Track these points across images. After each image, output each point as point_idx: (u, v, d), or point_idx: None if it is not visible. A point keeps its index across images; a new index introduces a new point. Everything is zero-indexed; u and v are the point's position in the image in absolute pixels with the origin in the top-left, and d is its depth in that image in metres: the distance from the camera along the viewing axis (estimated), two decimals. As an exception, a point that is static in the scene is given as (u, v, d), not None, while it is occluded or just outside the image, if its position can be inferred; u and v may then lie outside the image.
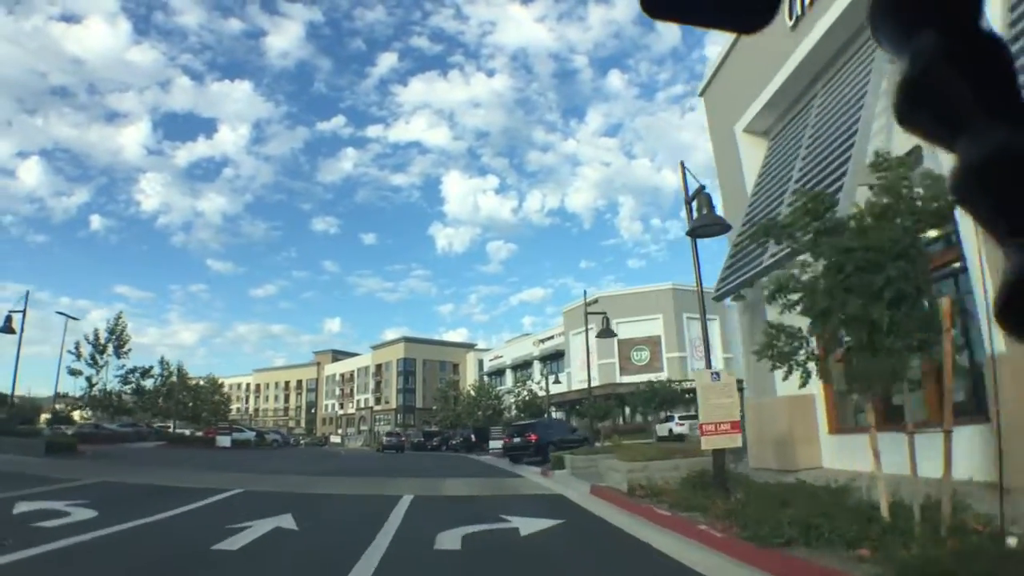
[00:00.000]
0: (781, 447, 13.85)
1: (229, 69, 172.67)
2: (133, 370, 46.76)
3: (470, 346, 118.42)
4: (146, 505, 10.59)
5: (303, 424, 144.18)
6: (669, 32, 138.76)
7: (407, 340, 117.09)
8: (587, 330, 24.96)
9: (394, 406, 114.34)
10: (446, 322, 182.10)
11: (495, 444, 40.05)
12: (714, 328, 63.99)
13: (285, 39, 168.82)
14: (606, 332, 23.18)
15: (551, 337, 70.58)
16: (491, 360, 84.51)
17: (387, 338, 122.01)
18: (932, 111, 0.59)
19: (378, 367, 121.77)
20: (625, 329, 58.07)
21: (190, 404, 63.63)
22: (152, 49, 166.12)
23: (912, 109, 0.60)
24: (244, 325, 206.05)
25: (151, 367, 48.01)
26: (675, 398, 40.29)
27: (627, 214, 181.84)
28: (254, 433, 50.06)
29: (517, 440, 29.19)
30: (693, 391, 50.10)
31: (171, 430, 50.33)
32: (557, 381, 48.70)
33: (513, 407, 54.37)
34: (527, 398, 52.29)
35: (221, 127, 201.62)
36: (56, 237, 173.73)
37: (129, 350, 45.06)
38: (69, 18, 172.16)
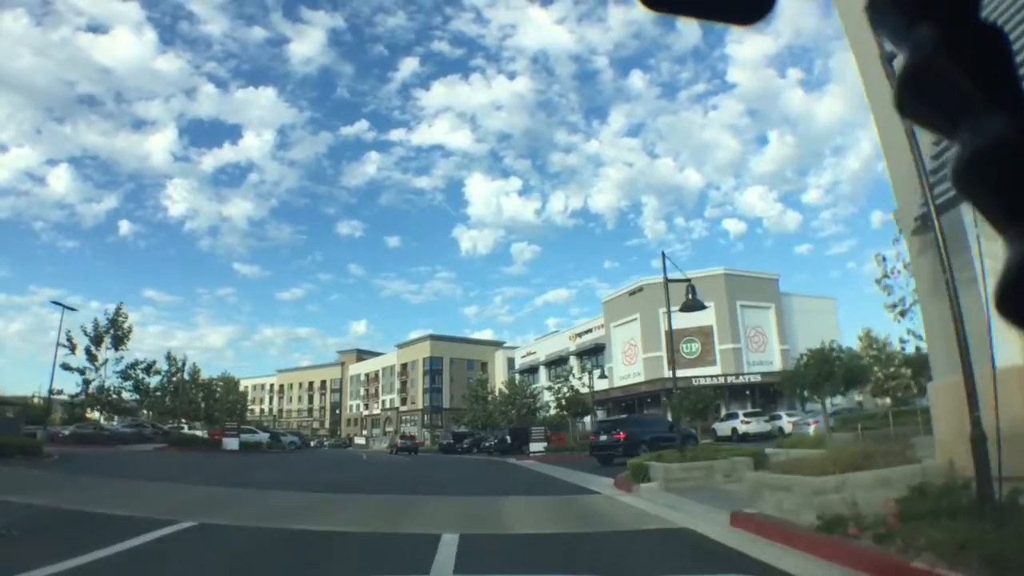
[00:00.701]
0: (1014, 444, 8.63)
1: (253, 76, 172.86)
2: (134, 365, 42.46)
3: (498, 344, 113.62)
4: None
5: (327, 425, 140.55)
6: (690, 31, 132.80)
7: (433, 338, 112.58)
8: (667, 311, 19.74)
9: (420, 406, 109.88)
10: (471, 324, 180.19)
11: (536, 447, 35.07)
12: (768, 318, 58.58)
13: (308, 46, 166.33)
14: (693, 305, 17.91)
15: (589, 331, 65.43)
16: (523, 357, 79.55)
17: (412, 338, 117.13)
18: (933, 101, 0.60)
19: (403, 366, 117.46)
20: (673, 319, 52.69)
21: (202, 404, 59.85)
22: (178, 58, 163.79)
23: (913, 99, 0.61)
24: (271, 328, 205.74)
25: (154, 362, 43.58)
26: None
27: (650, 214, 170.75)
28: (267, 435, 45.46)
29: (604, 439, 25.53)
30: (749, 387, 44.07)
31: (183, 431, 46.04)
32: (604, 376, 43.65)
33: (551, 406, 49.24)
34: (567, 395, 47.20)
35: (246, 133, 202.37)
36: (86, 242, 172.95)
37: (127, 341, 40.83)
38: (96, 28, 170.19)
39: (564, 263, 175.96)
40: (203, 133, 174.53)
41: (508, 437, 44.33)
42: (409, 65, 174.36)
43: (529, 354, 77.64)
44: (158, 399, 50.15)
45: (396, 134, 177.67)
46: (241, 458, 31.95)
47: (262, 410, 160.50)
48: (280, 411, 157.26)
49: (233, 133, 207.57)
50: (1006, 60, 0.58)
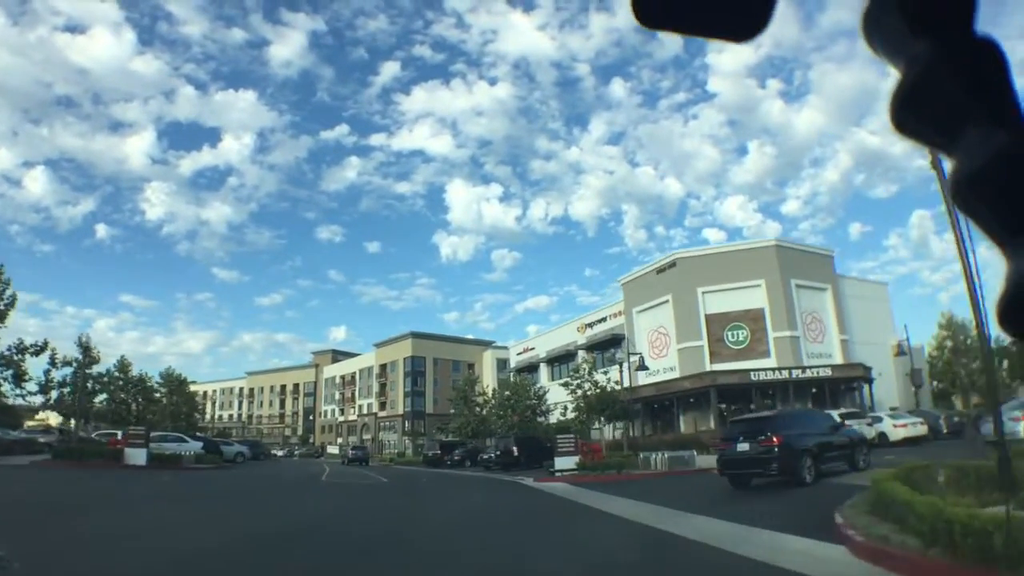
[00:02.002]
0: None
1: (233, 79, 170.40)
2: (19, 349, 31.61)
3: (487, 344, 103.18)
4: None
5: (299, 432, 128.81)
6: (671, 40, 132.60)
7: (415, 336, 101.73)
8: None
9: (401, 412, 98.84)
10: (452, 331, 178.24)
11: (564, 463, 24.60)
12: (825, 302, 48.57)
13: (288, 48, 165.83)
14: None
15: (602, 319, 55.08)
16: (519, 354, 68.98)
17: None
18: (929, 118, 0.59)
19: (383, 367, 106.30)
20: (714, 301, 42.69)
21: (133, 406, 48.92)
22: (156, 59, 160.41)
23: (909, 116, 0.60)
24: (249, 334, 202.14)
25: (45, 344, 32.64)
26: None
27: (631, 222, 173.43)
28: (200, 444, 34.57)
29: (744, 447, 16.23)
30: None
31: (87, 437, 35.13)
32: (644, 367, 33.35)
33: (568, 407, 38.77)
34: (590, 392, 36.78)
35: (225, 136, 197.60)
36: (62, 246, 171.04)
37: (7, 316, 30.15)
38: (74, 28, 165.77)
39: (545, 270, 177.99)
40: (182, 136, 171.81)
41: (514, 448, 33.92)
42: (390, 69, 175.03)
43: (527, 350, 67.07)
44: (70, 397, 39.26)
45: (377, 139, 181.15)
46: (134, 480, 21.46)
47: (231, 416, 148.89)
48: (250, 417, 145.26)
49: (212, 136, 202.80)
50: (1003, 74, 0.57)
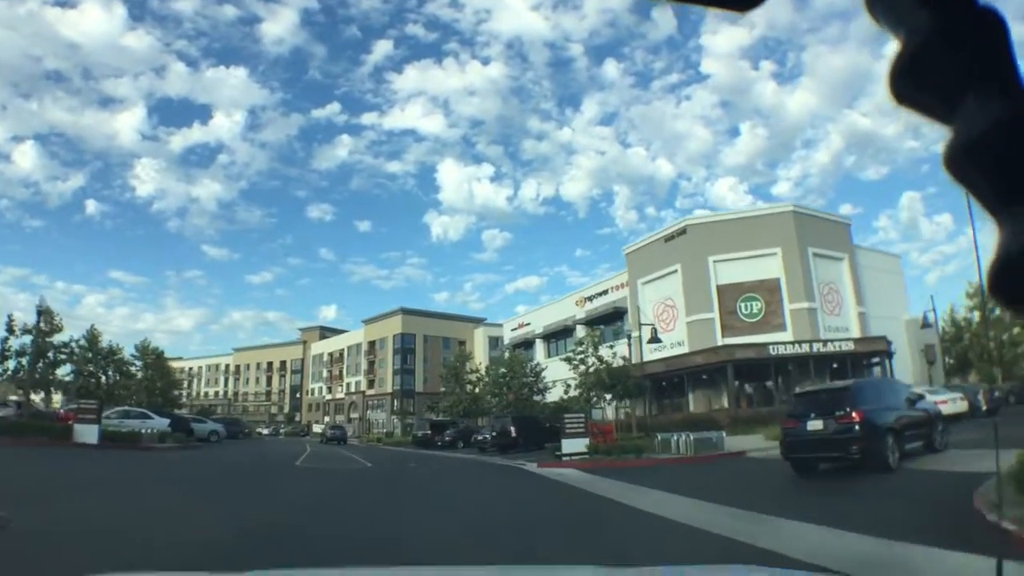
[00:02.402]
0: None
1: (224, 55, 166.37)
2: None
3: (478, 321, 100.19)
4: None
5: (286, 410, 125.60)
6: (664, 21, 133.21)
7: (405, 312, 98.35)
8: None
9: (390, 390, 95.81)
10: (442, 309, 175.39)
11: (573, 445, 21.51)
12: (841, 273, 45.49)
13: (280, 26, 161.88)
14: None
15: (604, 292, 51.91)
16: (514, 330, 65.80)
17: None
18: (928, 87, 0.59)
19: (371, 344, 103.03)
20: (727, 270, 39.59)
21: (103, 379, 45.59)
22: (147, 35, 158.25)
23: (908, 86, 0.60)
24: (239, 312, 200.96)
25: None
26: None
27: (622, 203, 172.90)
28: (167, 421, 31.27)
29: (817, 425, 13.20)
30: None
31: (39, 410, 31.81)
32: (656, 339, 30.21)
33: (571, 385, 35.68)
34: (594, 368, 33.69)
35: (216, 113, 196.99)
36: (52, 221, 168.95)
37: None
38: (64, 2, 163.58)
39: (535, 251, 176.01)
40: (172, 112, 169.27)
41: (512, 429, 30.89)
42: (383, 48, 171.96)
43: (522, 326, 63.86)
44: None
45: (368, 118, 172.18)
46: (55, 460, 18.29)
47: (216, 393, 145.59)
48: (236, 394, 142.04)
49: (203, 113, 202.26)
50: (1004, 44, 0.57)
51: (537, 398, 44.24)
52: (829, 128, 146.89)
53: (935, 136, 0.63)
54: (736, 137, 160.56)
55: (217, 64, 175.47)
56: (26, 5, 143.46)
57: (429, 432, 42.42)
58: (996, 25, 0.57)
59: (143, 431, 27.11)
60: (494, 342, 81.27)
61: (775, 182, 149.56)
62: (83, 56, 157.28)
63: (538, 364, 47.35)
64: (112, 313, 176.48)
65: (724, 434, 21.51)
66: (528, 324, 62.05)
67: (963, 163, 0.56)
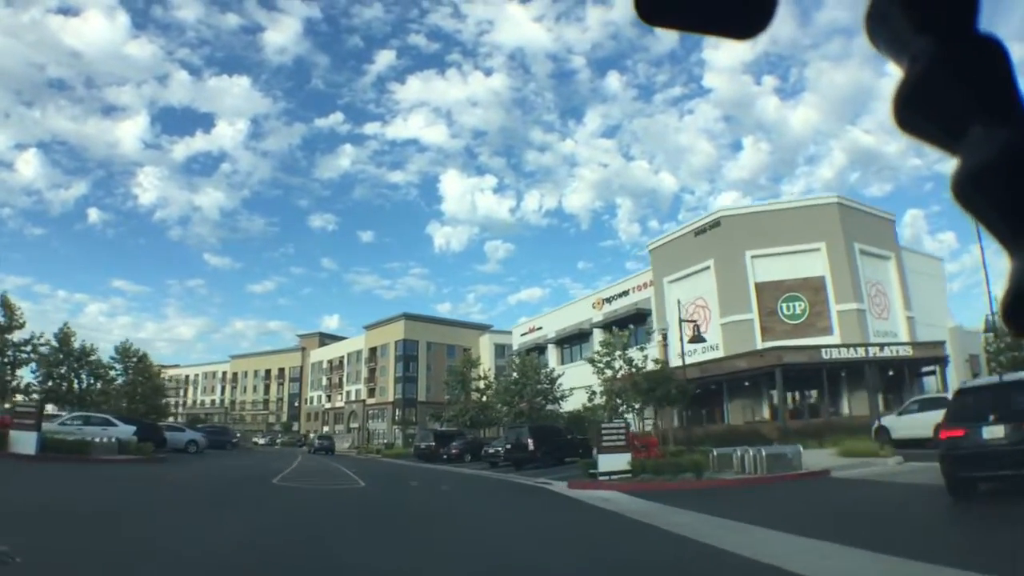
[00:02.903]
0: None
1: (227, 64, 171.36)
2: None
3: (484, 327, 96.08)
4: None
5: (283, 419, 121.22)
6: (667, 35, 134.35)
7: (408, 318, 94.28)
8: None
9: (391, 399, 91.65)
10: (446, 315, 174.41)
11: (612, 461, 17.38)
12: (888, 272, 41.27)
13: (283, 35, 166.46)
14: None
15: (624, 293, 47.83)
16: (524, 335, 61.71)
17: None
18: (932, 116, 0.59)
19: (372, 351, 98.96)
20: (766, 267, 35.51)
21: (75, 384, 41.54)
22: (150, 43, 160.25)
23: (912, 114, 0.60)
24: (241, 321, 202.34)
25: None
26: None
27: (625, 216, 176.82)
28: (133, 429, 27.14)
29: (997, 431, 9.29)
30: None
31: None
32: (699, 338, 26.15)
33: (596, 392, 31.48)
34: (623, 371, 29.51)
35: (219, 122, 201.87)
36: (54, 230, 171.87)
37: None
38: (67, 11, 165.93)
39: (538, 262, 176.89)
40: (175, 121, 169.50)
41: (529, 440, 26.82)
42: (385, 58, 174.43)
43: (532, 330, 59.76)
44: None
45: (371, 127, 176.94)
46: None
47: (212, 401, 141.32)
48: (233, 403, 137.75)
49: (205, 122, 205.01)
50: (1006, 72, 0.57)
51: (552, 407, 40.08)
52: (832, 144, 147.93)
53: (937, 155, 0.60)
54: (739, 151, 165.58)
55: (220, 73, 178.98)
56: (29, 13, 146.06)
57: (433, 444, 38.26)
58: (997, 52, 0.57)
59: (98, 440, 23.01)
60: (500, 350, 77.10)
61: (778, 197, 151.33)
62: (86, 64, 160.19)
63: (553, 370, 43.17)
64: (114, 322, 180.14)
65: (800, 448, 17.37)
66: (539, 328, 57.99)
67: (970, 193, 0.56)
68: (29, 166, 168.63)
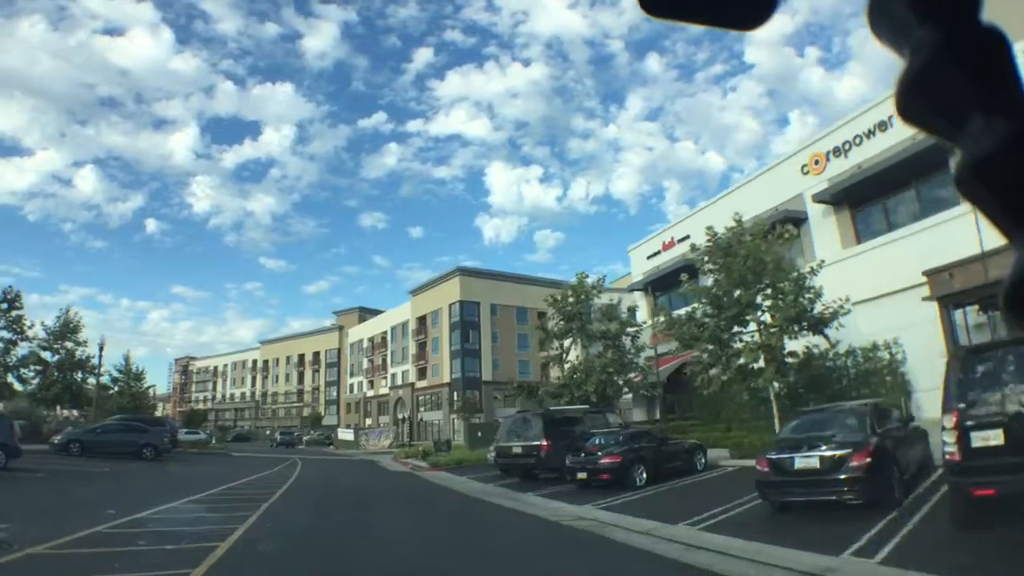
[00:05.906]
0: None
1: (269, 72, 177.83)
2: None
3: (560, 285, 71.91)
4: None
5: (322, 411, 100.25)
6: None
7: (464, 273, 71.42)
8: None
9: (447, 379, 69.02)
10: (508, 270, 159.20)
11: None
12: None
13: (321, 40, 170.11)
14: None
15: (877, 128, 24.18)
16: (651, 256, 38.46)
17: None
18: (934, 106, 0.59)
19: (420, 321, 76.69)
20: None
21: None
22: (194, 57, 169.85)
23: (914, 104, 0.60)
24: (298, 320, 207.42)
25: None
26: None
27: (673, 198, 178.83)
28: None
29: None
30: None
31: None
32: None
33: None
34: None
35: (265, 129, 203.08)
36: (114, 241, 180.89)
37: None
38: (113, 31, 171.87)
39: (589, 249, 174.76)
40: (223, 130, 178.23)
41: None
42: (423, 56, 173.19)
43: (671, 244, 36.45)
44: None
45: (414, 125, 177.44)
46: None
47: (243, 395, 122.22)
48: (264, 394, 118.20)
49: (253, 129, 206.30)
50: (1008, 63, 0.57)
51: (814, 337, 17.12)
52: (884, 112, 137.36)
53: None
54: (785, 126, 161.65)
55: (263, 81, 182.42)
56: (76, 36, 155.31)
57: (541, 445, 15.83)
58: (999, 43, 0.57)
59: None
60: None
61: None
62: (134, 81, 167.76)
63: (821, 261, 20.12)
64: (176, 327, 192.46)
65: None
66: (687, 238, 34.03)
67: (973, 183, 0.56)
68: (87, 182, 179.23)
